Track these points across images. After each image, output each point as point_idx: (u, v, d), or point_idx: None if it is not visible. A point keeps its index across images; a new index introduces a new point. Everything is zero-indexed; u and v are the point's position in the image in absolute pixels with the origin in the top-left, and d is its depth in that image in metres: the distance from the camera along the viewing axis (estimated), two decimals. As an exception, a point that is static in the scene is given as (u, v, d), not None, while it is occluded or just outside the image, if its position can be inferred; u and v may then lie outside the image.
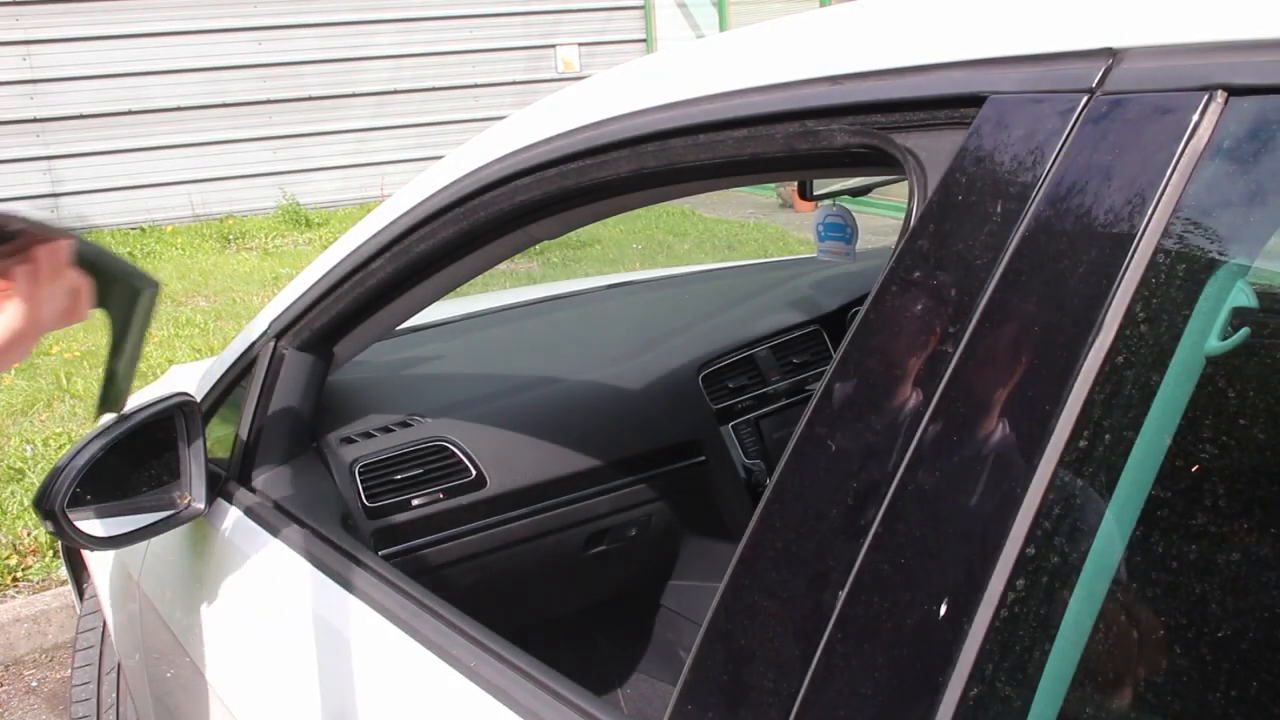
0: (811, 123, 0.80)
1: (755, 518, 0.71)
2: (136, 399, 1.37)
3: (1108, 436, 0.57)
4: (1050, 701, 0.57)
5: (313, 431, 1.54)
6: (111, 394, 1.08)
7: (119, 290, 0.96)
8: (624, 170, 0.98)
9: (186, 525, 1.43)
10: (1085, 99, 0.62)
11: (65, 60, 8.04)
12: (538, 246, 1.68)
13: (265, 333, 1.43)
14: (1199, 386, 0.57)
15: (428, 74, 9.06)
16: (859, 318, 0.69)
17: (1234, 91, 0.56)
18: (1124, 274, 0.57)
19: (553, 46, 9.44)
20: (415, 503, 1.57)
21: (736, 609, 0.71)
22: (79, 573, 2.28)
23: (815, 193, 1.28)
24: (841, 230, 1.28)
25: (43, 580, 3.16)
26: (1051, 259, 0.60)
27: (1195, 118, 0.57)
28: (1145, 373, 0.57)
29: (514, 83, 9.25)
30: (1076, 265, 0.59)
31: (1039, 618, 0.57)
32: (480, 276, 1.30)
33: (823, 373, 0.85)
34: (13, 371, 4.66)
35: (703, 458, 1.82)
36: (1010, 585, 0.57)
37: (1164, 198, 0.57)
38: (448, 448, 1.60)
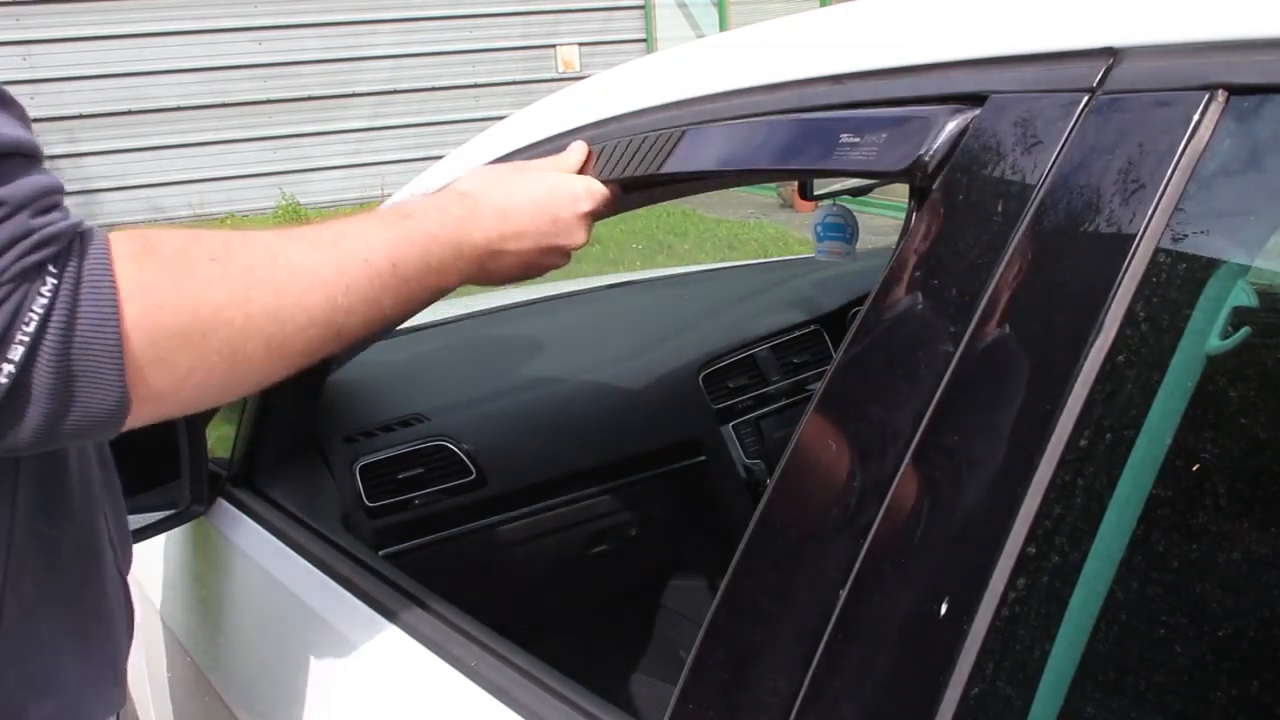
0: (812, 122, 0.80)
1: (755, 518, 0.71)
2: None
3: (1108, 436, 0.57)
4: (1051, 701, 0.57)
5: (313, 431, 1.54)
6: None
7: None
8: (624, 170, 0.97)
9: (186, 525, 1.43)
10: (1086, 98, 0.62)
11: (65, 60, 8.04)
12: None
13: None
14: (1199, 386, 0.57)
15: (428, 74, 9.06)
16: (859, 318, 0.69)
17: (1234, 91, 0.56)
18: (1124, 273, 0.57)
19: (553, 46, 9.44)
20: (416, 502, 1.57)
21: (736, 609, 0.71)
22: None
23: (815, 192, 1.28)
24: (841, 230, 1.28)
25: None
26: (1052, 258, 0.60)
27: (1195, 117, 0.57)
28: (1146, 372, 0.57)
29: (514, 83, 9.24)
30: (1077, 264, 0.59)
31: (1040, 617, 0.57)
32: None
33: (823, 373, 0.85)
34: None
35: (703, 457, 1.81)
36: (1011, 585, 0.57)
37: (1164, 197, 0.57)
38: (448, 447, 1.60)
